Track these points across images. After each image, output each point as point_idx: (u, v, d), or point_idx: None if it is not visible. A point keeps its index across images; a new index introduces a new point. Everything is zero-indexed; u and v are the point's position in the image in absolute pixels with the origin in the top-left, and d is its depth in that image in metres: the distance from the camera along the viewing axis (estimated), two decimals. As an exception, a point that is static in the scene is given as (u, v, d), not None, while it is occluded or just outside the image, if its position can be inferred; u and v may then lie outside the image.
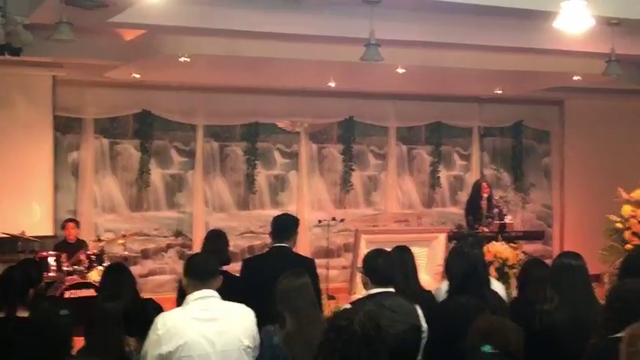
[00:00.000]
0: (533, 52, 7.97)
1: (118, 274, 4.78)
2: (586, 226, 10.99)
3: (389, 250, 4.46)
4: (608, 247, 8.87)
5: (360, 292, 4.30)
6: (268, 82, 10.38)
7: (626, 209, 8.83)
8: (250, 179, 11.25)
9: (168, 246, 10.90)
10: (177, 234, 10.95)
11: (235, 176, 11.28)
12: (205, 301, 3.79)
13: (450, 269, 4.49)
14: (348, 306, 4.06)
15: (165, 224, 10.90)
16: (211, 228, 8.42)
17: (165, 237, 10.89)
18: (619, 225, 8.79)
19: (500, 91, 11.03)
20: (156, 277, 10.75)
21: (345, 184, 11.72)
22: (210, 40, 7.65)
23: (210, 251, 5.37)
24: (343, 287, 10.20)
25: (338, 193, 11.75)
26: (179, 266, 10.05)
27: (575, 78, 9.59)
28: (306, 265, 4.87)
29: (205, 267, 3.92)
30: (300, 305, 3.90)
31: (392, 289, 4.13)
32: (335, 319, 3.08)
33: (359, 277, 4.30)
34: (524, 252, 9.46)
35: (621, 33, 6.63)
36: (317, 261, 6.00)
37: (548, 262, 4.75)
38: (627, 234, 8.71)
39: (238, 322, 3.82)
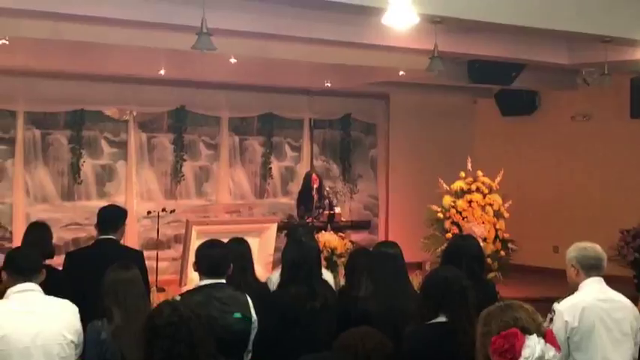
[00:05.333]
0: (361, 47, 8.15)
1: None
2: (409, 216, 11.46)
3: (223, 241, 4.45)
4: (429, 235, 9.33)
5: (191, 284, 4.26)
6: (95, 68, 9.96)
7: (447, 200, 9.33)
8: (75, 169, 10.78)
9: (-15, 239, 10.27)
10: (-5, 226, 10.34)
11: (59, 165, 10.77)
12: (26, 294, 3.66)
13: (284, 259, 4.55)
14: (178, 298, 4.01)
15: (-18, 216, 10.26)
16: (33, 220, 8.05)
17: (-19, 229, 10.25)
18: (440, 215, 9.27)
19: (329, 84, 11.26)
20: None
21: (176, 174, 11.53)
22: (31, 23, 7.20)
23: (31, 244, 5.14)
24: (173, 279, 10.05)
25: (168, 184, 11.53)
26: (-3, 260, 9.50)
27: (400, 73, 9.92)
28: (134, 258, 4.78)
29: (27, 261, 3.80)
30: (129, 298, 3.83)
31: (223, 281, 4.13)
32: (161, 315, 3.08)
33: (189, 269, 4.26)
34: (351, 241, 9.74)
35: (443, 31, 6.93)
36: (146, 253, 5.90)
37: (374, 251, 4.92)
38: (447, 223, 9.20)
39: (60, 316, 3.69)
